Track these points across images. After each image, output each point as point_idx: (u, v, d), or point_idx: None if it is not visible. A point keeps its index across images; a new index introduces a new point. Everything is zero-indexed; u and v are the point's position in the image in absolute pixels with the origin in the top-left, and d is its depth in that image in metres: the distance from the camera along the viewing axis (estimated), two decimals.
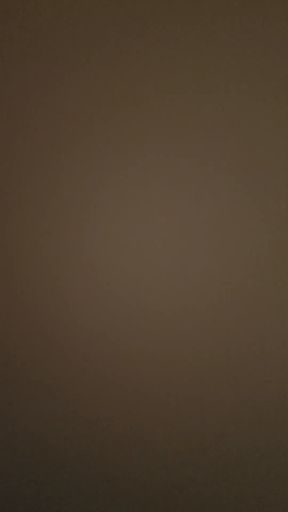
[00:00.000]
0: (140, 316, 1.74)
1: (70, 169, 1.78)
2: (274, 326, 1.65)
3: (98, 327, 1.77)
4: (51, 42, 1.78)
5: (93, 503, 1.79)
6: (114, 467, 1.77)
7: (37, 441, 1.83)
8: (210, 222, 1.69)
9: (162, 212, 1.72)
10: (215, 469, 1.71)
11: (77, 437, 1.80)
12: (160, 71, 1.71)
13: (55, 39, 1.78)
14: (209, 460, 1.71)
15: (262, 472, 1.67)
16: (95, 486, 1.79)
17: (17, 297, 1.83)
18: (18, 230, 1.82)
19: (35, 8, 1.79)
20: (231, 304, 1.68)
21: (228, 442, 1.69)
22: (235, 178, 1.67)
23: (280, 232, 1.65)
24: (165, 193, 1.72)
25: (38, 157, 1.80)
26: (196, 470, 1.72)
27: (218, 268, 1.69)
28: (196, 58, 1.68)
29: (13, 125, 1.82)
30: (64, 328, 1.79)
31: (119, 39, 1.73)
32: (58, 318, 1.79)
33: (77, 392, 1.79)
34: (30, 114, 1.80)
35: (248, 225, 1.67)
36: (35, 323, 1.81)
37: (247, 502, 1.69)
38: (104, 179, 1.76)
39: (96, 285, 1.77)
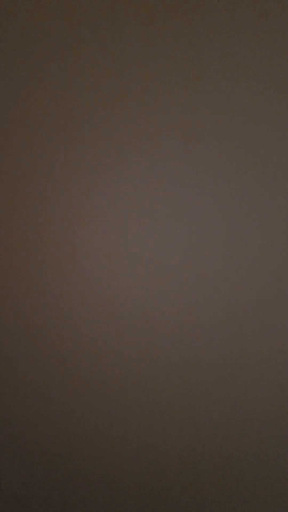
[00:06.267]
0: (140, 319, 1.74)
1: (68, 169, 1.78)
2: (276, 329, 1.66)
3: (96, 331, 1.77)
4: (50, 37, 1.78)
5: (93, 506, 1.80)
6: (114, 470, 1.78)
7: (36, 446, 1.83)
8: (210, 225, 1.69)
9: (161, 213, 1.72)
10: (216, 473, 1.71)
11: (77, 441, 1.80)
12: (160, 67, 1.71)
13: (54, 34, 1.78)
14: (210, 465, 1.71)
15: (263, 476, 1.68)
16: (95, 489, 1.79)
17: (15, 300, 1.83)
18: (14, 233, 1.83)
19: (32, 5, 1.79)
20: (231, 307, 1.68)
21: (229, 448, 1.70)
22: (235, 177, 1.67)
23: (281, 233, 1.65)
24: (165, 194, 1.72)
25: (35, 157, 1.81)
26: (197, 474, 1.72)
27: (218, 270, 1.69)
28: (195, 55, 1.68)
29: (11, 124, 1.82)
30: (62, 331, 1.79)
31: (119, 35, 1.73)
32: (56, 323, 1.80)
33: (77, 397, 1.79)
34: (28, 112, 1.81)
35: (249, 226, 1.67)
36: (33, 327, 1.82)
37: (247, 506, 1.69)
38: (102, 179, 1.76)
39: (94, 288, 1.77)
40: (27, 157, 1.81)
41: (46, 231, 1.80)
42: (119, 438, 1.77)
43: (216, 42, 1.67)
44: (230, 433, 1.69)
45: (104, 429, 1.78)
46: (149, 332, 1.74)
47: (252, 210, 1.67)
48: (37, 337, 1.81)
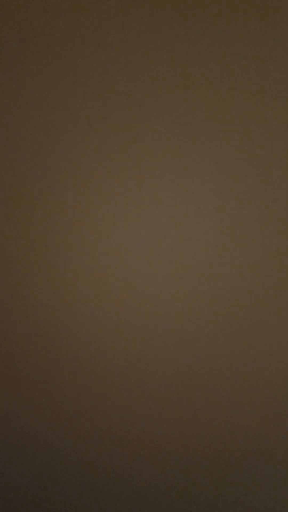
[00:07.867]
0: (140, 317, 1.74)
1: (70, 169, 1.78)
2: (275, 326, 1.66)
3: (97, 328, 1.77)
4: (51, 41, 1.78)
5: (93, 505, 1.79)
6: (114, 469, 1.78)
7: (37, 446, 1.83)
8: (210, 224, 1.69)
9: (161, 213, 1.72)
10: (216, 471, 1.71)
11: (78, 439, 1.80)
12: (161, 71, 1.71)
13: (55, 38, 1.78)
14: (210, 463, 1.71)
15: (263, 473, 1.67)
16: (95, 489, 1.79)
17: (16, 298, 1.83)
18: (16, 232, 1.83)
19: (34, 7, 1.79)
20: (231, 306, 1.68)
21: (229, 445, 1.70)
22: (236, 178, 1.67)
23: (280, 233, 1.65)
24: (165, 194, 1.72)
25: (37, 158, 1.81)
26: (196, 473, 1.72)
27: (218, 270, 1.69)
28: (196, 58, 1.69)
29: (13, 126, 1.82)
30: (64, 329, 1.79)
31: (119, 38, 1.74)
32: (58, 320, 1.80)
33: (78, 394, 1.79)
34: (30, 114, 1.81)
35: (248, 227, 1.67)
36: (34, 324, 1.81)
37: (248, 505, 1.69)
38: (103, 179, 1.76)
39: (95, 286, 1.77)
40: (29, 161, 1.81)
41: (48, 232, 1.80)
42: (119, 435, 1.77)
43: (215, 44, 1.67)
44: (233, 432, 1.69)
45: (103, 428, 1.78)
46: (150, 330, 1.74)
47: (250, 210, 1.67)
48: (40, 337, 1.81)
